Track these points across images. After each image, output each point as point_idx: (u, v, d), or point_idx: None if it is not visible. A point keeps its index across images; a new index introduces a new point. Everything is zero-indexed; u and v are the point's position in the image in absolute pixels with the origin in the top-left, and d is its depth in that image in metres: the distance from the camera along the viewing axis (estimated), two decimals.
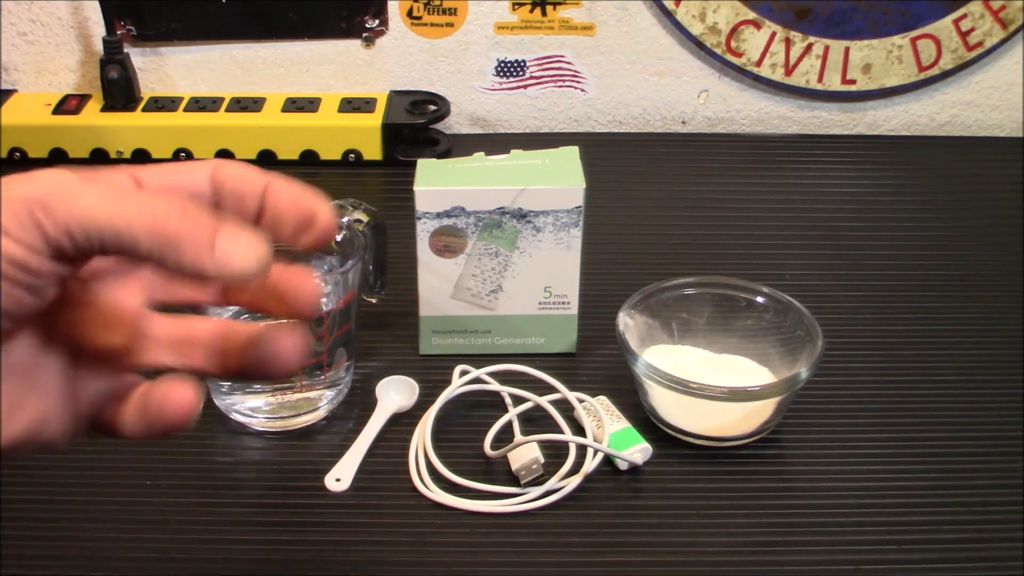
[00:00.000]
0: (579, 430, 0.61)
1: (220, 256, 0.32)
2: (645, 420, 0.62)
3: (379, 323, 0.70)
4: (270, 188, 0.36)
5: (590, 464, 0.58)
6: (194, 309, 0.41)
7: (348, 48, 0.94)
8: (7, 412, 0.34)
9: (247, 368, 0.37)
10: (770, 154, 0.95)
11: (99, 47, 0.90)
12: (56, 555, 0.54)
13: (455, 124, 0.98)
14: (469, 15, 0.93)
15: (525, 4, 0.92)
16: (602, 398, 0.62)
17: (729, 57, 0.94)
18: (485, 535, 0.55)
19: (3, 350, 0.34)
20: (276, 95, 0.93)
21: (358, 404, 0.64)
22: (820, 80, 0.95)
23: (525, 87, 0.96)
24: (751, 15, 0.92)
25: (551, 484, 0.57)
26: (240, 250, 0.32)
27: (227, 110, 0.90)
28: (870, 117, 0.98)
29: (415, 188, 0.62)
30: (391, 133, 0.90)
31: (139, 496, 0.57)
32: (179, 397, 0.36)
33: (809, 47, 0.93)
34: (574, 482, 0.57)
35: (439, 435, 0.61)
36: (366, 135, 0.89)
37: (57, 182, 0.32)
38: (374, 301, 0.69)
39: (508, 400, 0.63)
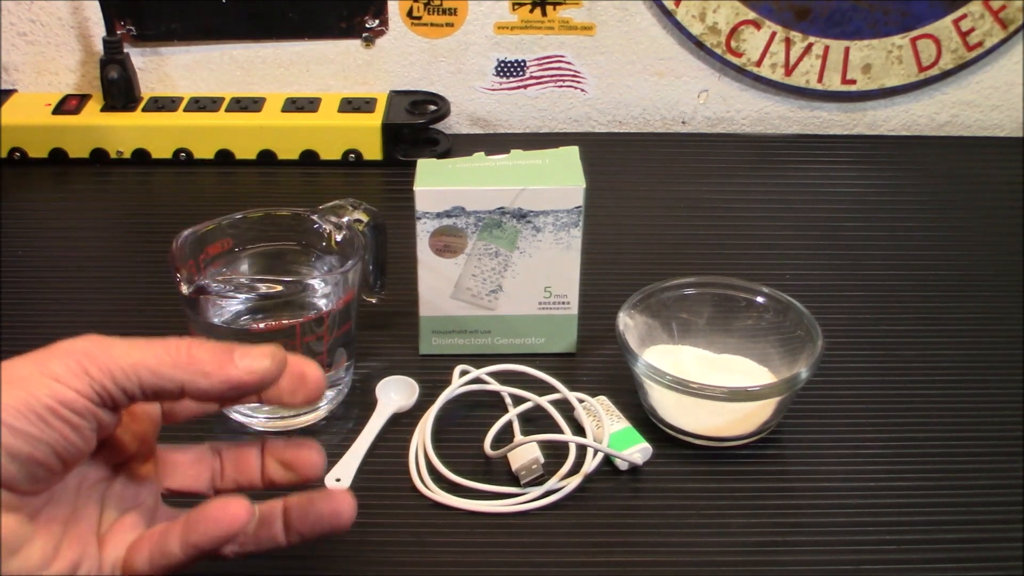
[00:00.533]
0: (579, 430, 0.61)
1: (242, 366, 0.39)
2: (645, 420, 0.62)
3: (379, 323, 0.70)
4: None
5: (590, 464, 0.58)
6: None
7: (348, 48, 0.94)
8: (47, 555, 0.39)
9: (312, 526, 0.44)
10: (770, 154, 0.95)
11: (99, 47, 0.90)
12: None
13: (455, 124, 0.98)
14: (469, 15, 0.93)
15: (525, 4, 0.92)
16: (602, 398, 0.62)
17: (729, 57, 0.94)
18: (485, 535, 0.55)
19: (45, 499, 0.39)
20: (276, 95, 0.93)
21: (358, 404, 0.64)
22: (820, 80, 0.95)
23: (525, 87, 0.96)
24: (751, 15, 0.92)
25: (551, 484, 0.57)
26: (256, 355, 0.40)
27: (227, 110, 0.90)
28: (870, 117, 0.98)
29: (415, 188, 0.62)
30: (391, 133, 0.90)
31: None
32: (235, 508, 0.41)
33: (809, 47, 0.93)
34: (574, 482, 0.57)
35: (439, 435, 0.61)
36: (366, 135, 0.89)
37: (96, 339, 0.38)
38: (374, 301, 0.69)
39: (508, 400, 0.63)
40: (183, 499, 0.46)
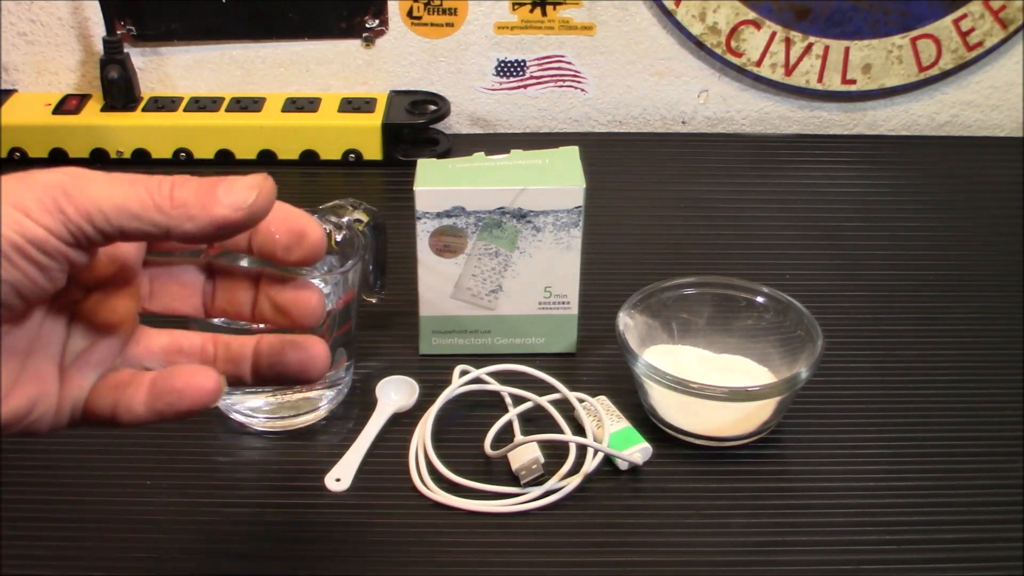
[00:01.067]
0: (579, 430, 0.61)
1: (228, 202, 0.35)
2: (645, 420, 0.62)
3: (379, 323, 0.70)
4: None
5: (590, 464, 0.58)
6: (183, 324, 0.42)
7: (348, 48, 0.94)
8: (3, 391, 0.35)
9: (280, 375, 0.40)
10: (770, 154, 0.95)
11: (99, 47, 0.90)
12: (56, 555, 0.54)
13: (455, 124, 0.98)
14: (469, 15, 0.93)
15: (525, 4, 0.92)
16: (602, 398, 0.62)
17: (729, 57, 0.94)
18: (485, 535, 0.55)
19: (7, 332, 0.35)
20: (276, 95, 0.93)
21: (358, 404, 0.64)
22: (820, 80, 0.95)
23: (525, 87, 0.96)
24: (751, 15, 0.92)
25: (551, 484, 0.57)
26: (242, 188, 0.35)
27: (227, 110, 0.90)
28: (870, 117, 0.98)
29: (415, 188, 0.62)
30: (391, 133, 0.90)
31: (139, 496, 0.57)
32: (203, 380, 0.37)
33: (809, 47, 0.93)
34: (574, 482, 0.57)
35: (439, 435, 0.61)
36: (366, 135, 0.89)
37: (75, 173, 0.34)
38: (374, 301, 0.69)
39: (508, 400, 0.63)
40: (170, 319, 0.41)
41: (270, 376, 0.40)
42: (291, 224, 0.38)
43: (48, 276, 0.34)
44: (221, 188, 0.35)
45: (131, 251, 0.39)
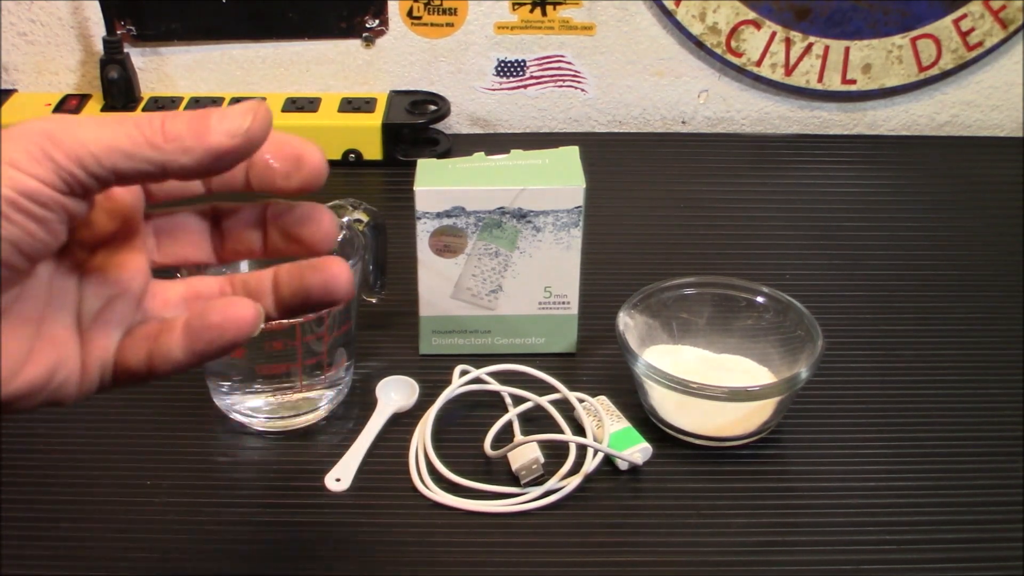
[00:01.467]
0: (579, 430, 0.61)
1: (223, 130, 0.33)
2: (645, 420, 0.62)
3: (379, 323, 0.70)
4: None
5: (590, 464, 0.58)
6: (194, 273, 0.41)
7: (348, 48, 0.94)
8: (19, 359, 0.34)
9: (305, 301, 0.38)
10: (770, 154, 0.95)
11: (99, 47, 0.90)
12: (56, 555, 0.54)
13: (455, 124, 0.98)
14: (469, 15, 0.93)
15: (525, 4, 0.92)
16: (602, 398, 0.62)
17: (729, 57, 0.94)
18: (485, 535, 0.55)
19: (17, 297, 0.34)
20: (276, 95, 0.93)
21: (358, 404, 0.64)
22: (820, 80, 0.95)
23: (525, 87, 0.96)
24: (751, 15, 0.92)
25: (551, 484, 0.57)
26: (236, 114, 0.34)
27: None
28: (870, 117, 0.98)
29: (415, 188, 0.62)
30: (391, 133, 0.90)
31: (139, 496, 0.57)
32: (240, 310, 0.36)
33: (809, 47, 0.93)
34: (574, 482, 0.57)
35: (439, 435, 0.61)
36: (366, 135, 0.89)
37: (60, 119, 0.32)
38: (374, 301, 0.69)
39: (508, 400, 0.63)
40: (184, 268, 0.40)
41: (295, 304, 0.39)
42: (288, 150, 0.37)
43: (48, 229, 0.33)
44: (214, 117, 0.33)
45: (129, 201, 0.37)
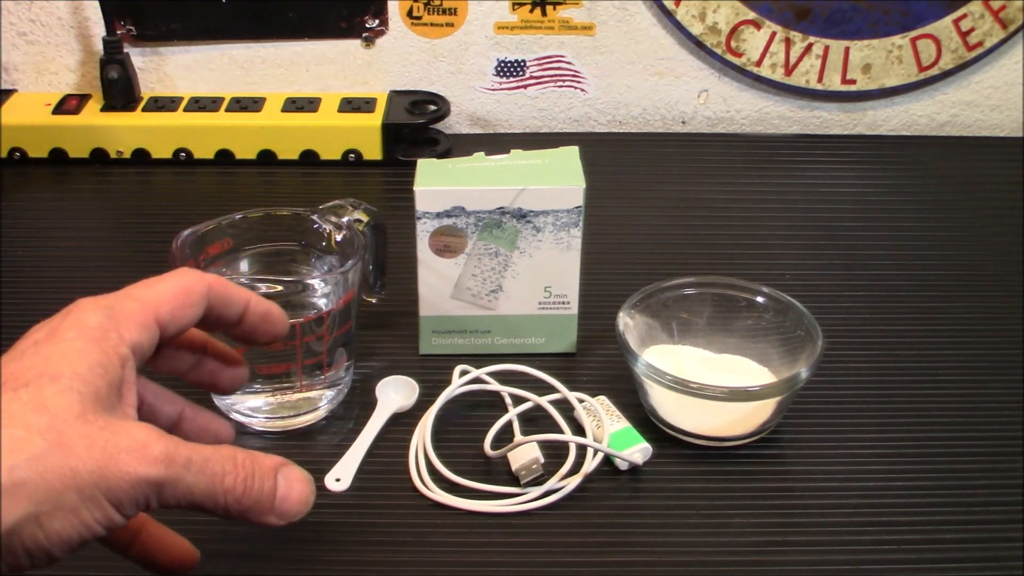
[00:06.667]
0: (579, 430, 0.61)
1: (276, 515, 0.42)
2: (645, 420, 0.62)
3: (379, 323, 0.70)
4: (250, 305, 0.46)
5: (590, 464, 0.58)
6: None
7: (348, 48, 0.94)
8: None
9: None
10: (770, 154, 0.95)
11: (99, 47, 0.90)
12: None
13: (455, 124, 0.98)
14: (469, 15, 0.93)
15: (525, 4, 0.92)
16: (602, 398, 0.62)
17: (729, 57, 0.94)
18: (485, 535, 0.55)
19: None
20: (276, 95, 0.93)
21: (358, 404, 0.64)
22: (820, 80, 0.95)
23: (525, 87, 0.96)
24: (751, 15, 0.92)
25: (551, 484, 0.57)
26: (294, 505, 0.42)
27: (227, 110, 0.90)
28: (870, 117, 0.98)
29: (415, 188, 0.62)
30: (391, 133, 0.90)
31: None
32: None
33: (809, 47, 0.93)
34: (574, 482, 0.57)
35: (439, 435, 0.61)
36: (366, 135, 0.89)
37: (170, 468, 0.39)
38: (374, 301, 0.69)
39: (508, 400, 0.63)
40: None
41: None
42: (267, 326, 0.47)
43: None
44: (277, 501, 0.41)
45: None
